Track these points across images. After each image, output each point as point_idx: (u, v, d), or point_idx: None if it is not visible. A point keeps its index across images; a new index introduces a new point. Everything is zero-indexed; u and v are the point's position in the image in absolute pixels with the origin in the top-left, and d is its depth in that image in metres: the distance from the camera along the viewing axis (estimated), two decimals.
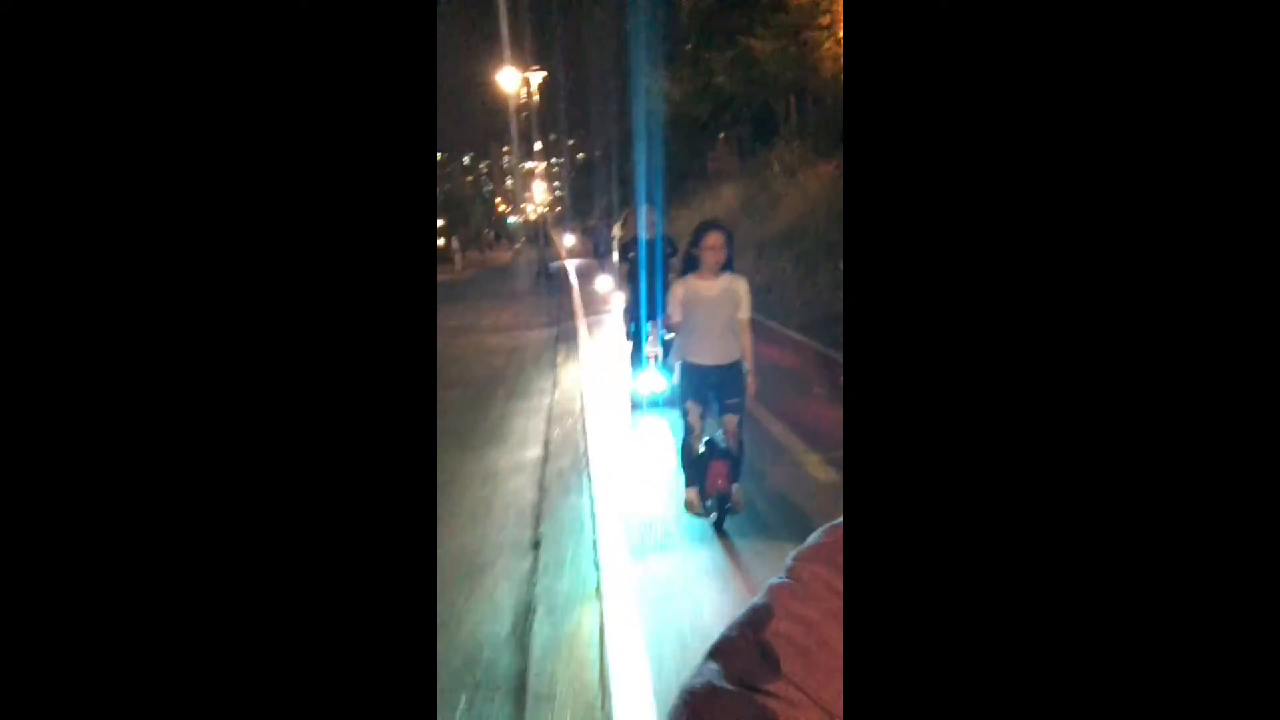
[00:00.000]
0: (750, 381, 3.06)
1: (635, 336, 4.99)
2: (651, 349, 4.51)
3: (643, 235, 4.68)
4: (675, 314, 3.02)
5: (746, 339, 3.05)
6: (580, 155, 31.35)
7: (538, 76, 24.24)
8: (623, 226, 6.10)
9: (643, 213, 4.82)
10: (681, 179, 16.78)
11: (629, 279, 4.87)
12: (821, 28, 11.07)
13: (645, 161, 13.49)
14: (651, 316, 4.49)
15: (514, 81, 16.89)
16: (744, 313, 3.01)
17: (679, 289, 3.02)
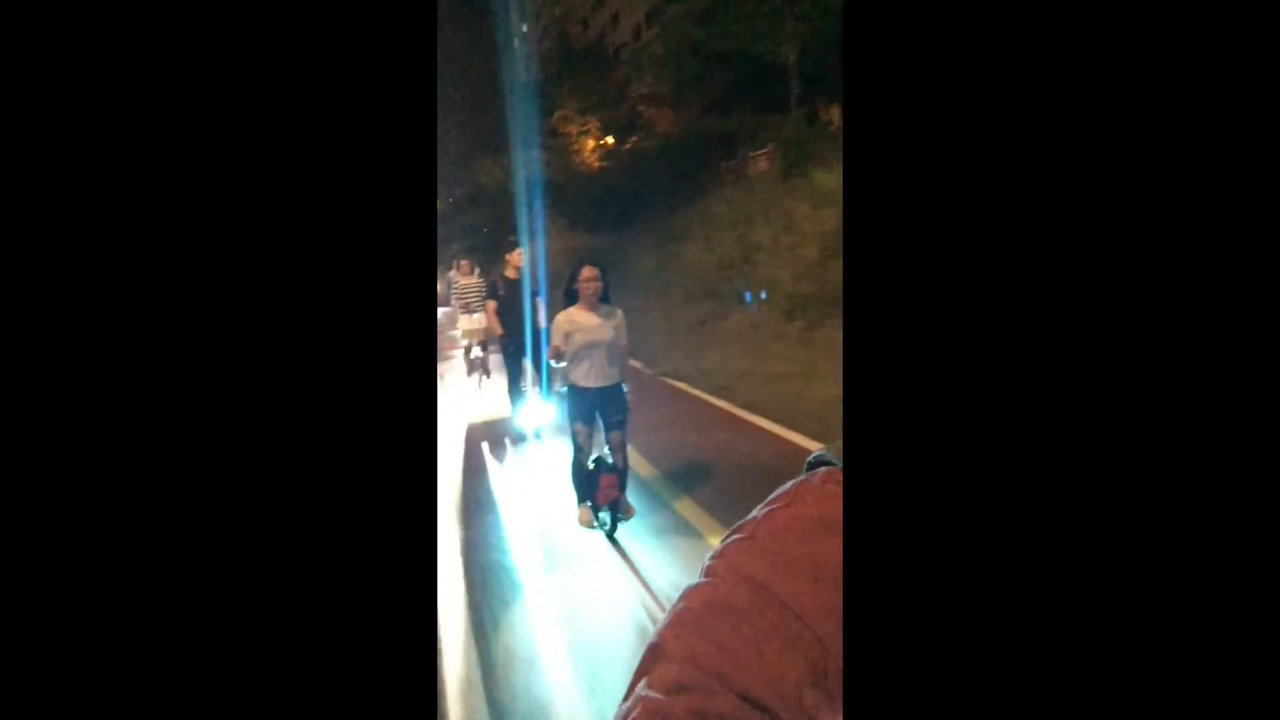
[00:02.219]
0: (630, 400, 3.30)
1: (512, 372, 5.02)
2: (529, 383, 4.60)
3: (532, 271, 4.77)
4: (561, 343, 3.16)
5: (625, 362, 3.30)
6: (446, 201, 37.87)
7: None
8: (465, 272, 7.06)
9: (527, 252, 4.91)
10: (512, 232, 24.15)
11: (498, 315, 4.90)
12: (573, 152, 19.57)
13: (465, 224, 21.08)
14: (524, 351, 4.60)
15: None
16: (622, 339, 3.25)
17: (562, 320, 3.18)
